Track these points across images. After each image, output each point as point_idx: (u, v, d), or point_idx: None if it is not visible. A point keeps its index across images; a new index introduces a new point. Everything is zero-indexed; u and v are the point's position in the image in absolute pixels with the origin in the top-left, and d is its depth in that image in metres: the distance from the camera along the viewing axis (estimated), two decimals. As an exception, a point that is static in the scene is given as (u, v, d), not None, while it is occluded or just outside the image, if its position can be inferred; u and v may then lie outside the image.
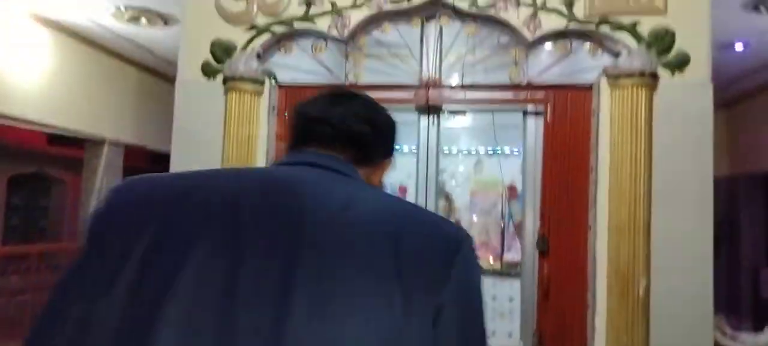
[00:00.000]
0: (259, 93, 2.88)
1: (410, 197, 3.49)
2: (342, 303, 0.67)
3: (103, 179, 6.08)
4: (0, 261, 5.86)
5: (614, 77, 2.60)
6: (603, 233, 2.60)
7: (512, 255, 3.39)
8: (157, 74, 6.29)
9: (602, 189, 2.62)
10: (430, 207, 3.00)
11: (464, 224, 3.46)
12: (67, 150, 6.34)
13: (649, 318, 2.46)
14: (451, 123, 3.53)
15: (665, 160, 2.52)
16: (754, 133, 5.28)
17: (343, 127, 0.87)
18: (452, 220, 3.27)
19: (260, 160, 2.87)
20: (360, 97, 0.96)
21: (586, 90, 2.72)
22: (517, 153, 3.56)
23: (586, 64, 2.72)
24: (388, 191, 3.63)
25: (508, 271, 3.27)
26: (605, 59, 2.68)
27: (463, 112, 3.27)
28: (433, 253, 0.73)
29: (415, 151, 3.27)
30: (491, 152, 3.68)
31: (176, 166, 2.87)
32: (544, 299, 2.69)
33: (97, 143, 6.00)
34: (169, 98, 3.14)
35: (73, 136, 5.66)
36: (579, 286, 2.67)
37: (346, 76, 2.91)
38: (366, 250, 0.71)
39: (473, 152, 3.71)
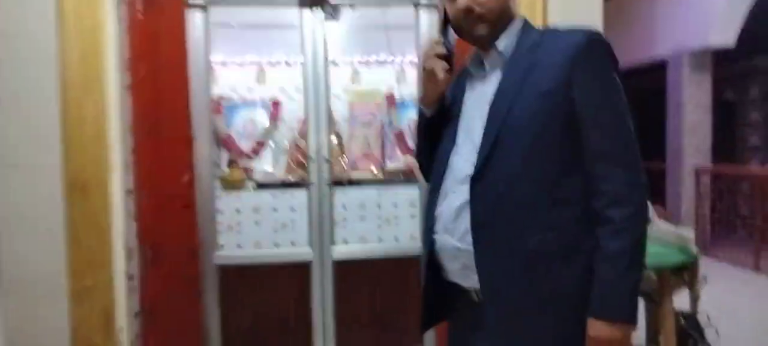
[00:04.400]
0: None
1: (292, 113, 3.27)
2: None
3: None
4: None
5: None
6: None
7: (394, 163, 3.35)
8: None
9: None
10: (321, 126, 2.83)
11: (345, 137, 3.33)
12: None
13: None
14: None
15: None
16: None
17: None
18: (334, 134, 3.13)
19: (111, 55, 2.41)
20: None
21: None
22: (391, 61, 3.46)
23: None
24: (260, 108, 3.32)
25: (392, 179, 3.22)
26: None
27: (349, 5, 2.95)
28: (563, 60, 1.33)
29: (293, 63, 3.02)
30: (366, 63, 3.50)
31: (5, 78, 2.30)
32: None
33: None
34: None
35: None
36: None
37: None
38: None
39: (348, 63, 3.50)
